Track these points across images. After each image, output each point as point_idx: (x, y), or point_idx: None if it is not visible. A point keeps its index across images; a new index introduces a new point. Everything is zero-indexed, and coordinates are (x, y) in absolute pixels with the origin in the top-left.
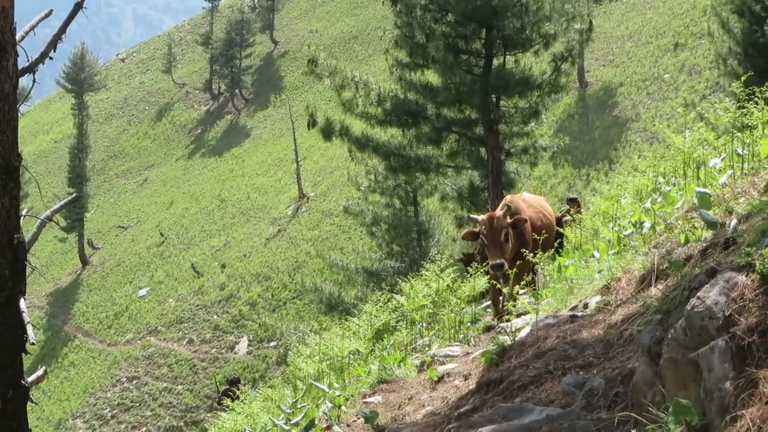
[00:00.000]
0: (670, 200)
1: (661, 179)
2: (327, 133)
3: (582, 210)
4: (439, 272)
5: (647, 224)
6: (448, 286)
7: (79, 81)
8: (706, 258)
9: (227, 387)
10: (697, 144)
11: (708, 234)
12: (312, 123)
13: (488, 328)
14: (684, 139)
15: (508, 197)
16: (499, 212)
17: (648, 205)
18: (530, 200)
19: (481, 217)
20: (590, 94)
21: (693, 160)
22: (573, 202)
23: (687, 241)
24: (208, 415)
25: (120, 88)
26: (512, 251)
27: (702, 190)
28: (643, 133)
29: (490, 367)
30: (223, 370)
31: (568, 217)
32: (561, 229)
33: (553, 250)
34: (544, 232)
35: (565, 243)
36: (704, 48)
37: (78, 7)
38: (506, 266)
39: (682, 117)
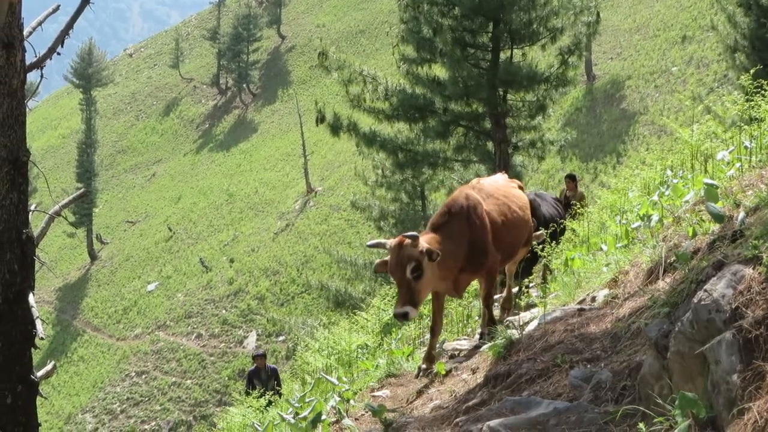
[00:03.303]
0: (678, 193)
1: (668, 172)
2: (335, 128)
3: (578, 187)
4: None
5: (655, 217)
6: None
7: (87, 76)
8: (714, 251)
9: (253, 368)
10: (704, 137)
11: (715, 227)
12: (320, 119)
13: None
14: (692, 132)
15: (457, 191)
16: (407, 240)
17: (656, 198)
18: (491, 188)
19: (390, 242)
20: (598, 88)
21: (701, 153)
22: (572, 179)
23: (694, 234)
24: (217, 409)
25: (128, 83)
26: (445, 278)
27: (709, 182)
28: (651, 126)
29: (497, 361)
30: (232, 364)
31: (539, 233)
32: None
33: (526, 251)
34: (508, 226)
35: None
36: (712, 41)
37: (85, 2)
38: (411, 315)
39: (690, 110)
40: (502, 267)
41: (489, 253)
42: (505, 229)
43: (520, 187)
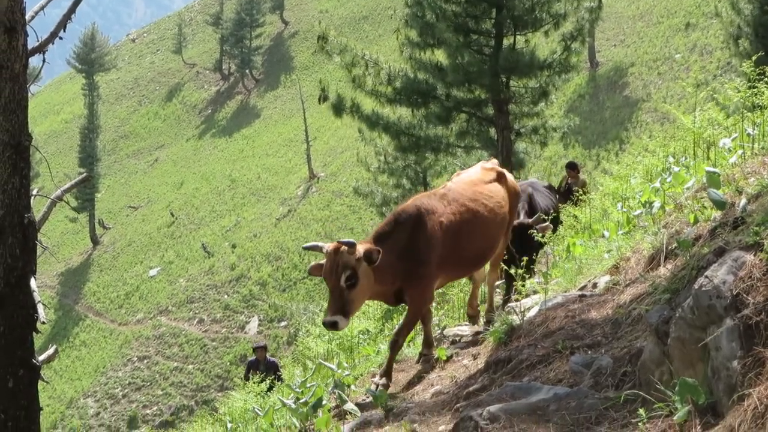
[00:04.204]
0: (680, 180)
1: (671, 159)
2: (338, 109)
3: (581, 175)
4: None
5: (657, 204)
6: None
7: (90, 61)
8: (715, 237)
9: (252, 359)
10: (707, 124)
11: (717, 214)
12: (323, 98)
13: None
14: (694, 119)
15: (411, 199)
16: (343, 247)
17: (658, 185)
18: (458, 191)
19: (327, 246)
20: (601, 74)
21: (703, 140)
22: (572, 168)
23: (696, 220)
24: (219, 394)
25: (130, 68)
26: (384, 291)
27: (711, 169)
28: (654, 114)
29: (498, 347)
30: (234, 349)
31: (544, 225)
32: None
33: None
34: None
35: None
36: (716, 28)
37: None
38: (341, 325)
39: (693, 97)
40: (467, 275)
41: (429, 267)
42: (468, 237)
43: (500, 175)
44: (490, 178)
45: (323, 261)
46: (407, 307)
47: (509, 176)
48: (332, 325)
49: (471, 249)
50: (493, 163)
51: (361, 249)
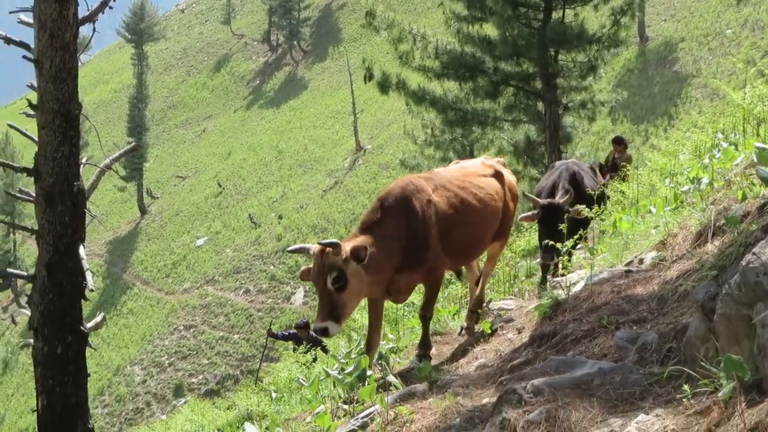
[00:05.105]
0: (729, 156)
1: (720, 135)
2: (383, 86)
3: (627, 150)
4: None
5: (705, 180)
6: None
7: (139, 31)
8: (763, 214)
9: (291, 331)
10: (757, 100)
11: (766, 191)
12: (369, 77)
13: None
14: (744, 95)
15: (395, 182)
16: (327, 248)
17: (706, 161)
18: (447, 177)
19: (313, 248)
20: (650, 49)
21: (753, 117)
22: (619, 142)
23: (745, 197)
24: (264, 364)
25: (179, 38)
26: (379, 283)
27: (761, 146)
28: (704, 90)
29: (543, 321)
30: (279, 320)
31: (575, 208)
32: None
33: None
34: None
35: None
36: (767, 3)
37: None
38: (332, 331)
39: (743, 73)
40: (456, 268)
41: (430, 248)
42: (455, 225)
43: (498, 173)
44: (486, 172)
45: (312, 264)
46: (424, 287)
47: (509, 177)
48: (323, 332)
49: (459, 236)
50: (497, 160)
51: (347, 248)
